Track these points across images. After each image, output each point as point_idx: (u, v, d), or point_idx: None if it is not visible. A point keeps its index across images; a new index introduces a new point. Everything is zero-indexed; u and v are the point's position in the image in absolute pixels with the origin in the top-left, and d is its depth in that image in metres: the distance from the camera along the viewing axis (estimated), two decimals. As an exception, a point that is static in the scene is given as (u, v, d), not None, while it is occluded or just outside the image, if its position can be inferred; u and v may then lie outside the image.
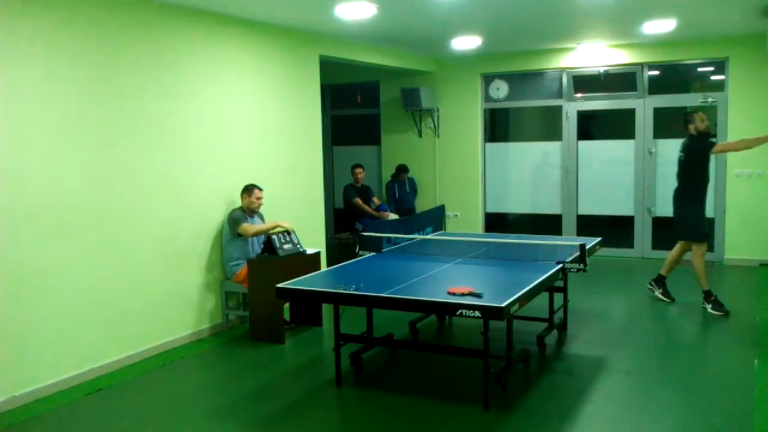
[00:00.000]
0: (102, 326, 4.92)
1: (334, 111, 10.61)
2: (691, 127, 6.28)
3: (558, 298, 5.56)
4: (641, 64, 8.65)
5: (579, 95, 9.15)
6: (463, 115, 9.69)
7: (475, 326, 4.08)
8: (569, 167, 9.19)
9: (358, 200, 8.68)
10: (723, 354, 5.27)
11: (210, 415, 4.24)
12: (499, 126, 10.21)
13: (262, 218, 6.14)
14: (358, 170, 8.77)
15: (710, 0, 6.12)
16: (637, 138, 8.86)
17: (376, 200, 8.96)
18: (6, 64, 4.26)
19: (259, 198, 5.95)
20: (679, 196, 6.40)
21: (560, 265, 4.83)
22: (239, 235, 5.82)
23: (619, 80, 8.92)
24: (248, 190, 5.94)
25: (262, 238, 5.89)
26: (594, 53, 8.78)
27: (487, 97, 9.69)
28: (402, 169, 9.43)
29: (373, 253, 5.53)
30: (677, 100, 8.85)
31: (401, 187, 9.45)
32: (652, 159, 8.78)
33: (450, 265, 5.05)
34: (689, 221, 6.29)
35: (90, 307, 4.83)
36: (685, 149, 6.35)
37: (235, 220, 5.81)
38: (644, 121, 8.80)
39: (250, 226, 5.82)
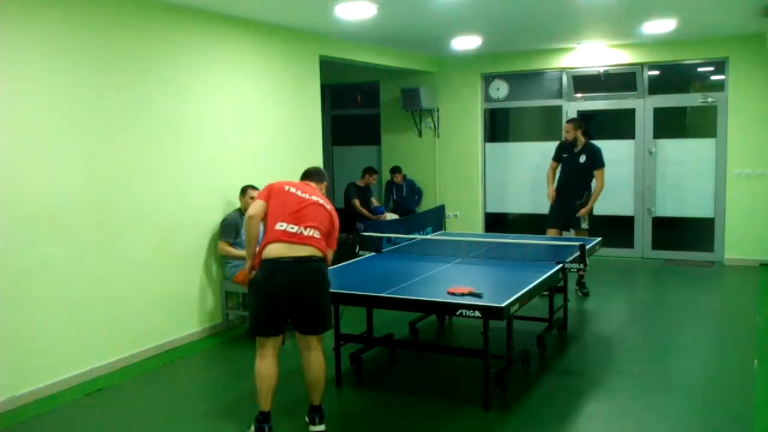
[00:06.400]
0: (102, 326, 4.92)
1: (334, 111, 10.60)
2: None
3: (558, 298, 5.57)
4: (641, 64, 8.65)
5: (579, 95, 9.14)
6: (463, 115, 9.68)
7: (475, 326, 4.08)
8: (569, 167, 9.16)
9: (356, 201, 8.69)
10: (722, 354, 5.27)
11: (210, 415, 4.25)
12: (499, 126, 10.20)
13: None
14: (368, 175, 8.86)
15: (710, 0, 6.12)
16: (637, 138, 8.85)
17: (374, 201, 8.96)
18: (5, 63, 4.26)
19: (253, 198, 5.94)
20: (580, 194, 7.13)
21: (560, 265, 4.83)
22: (236, 236, 5.83)
23: (619, 80, 8.91)
24: (243, 191, 5.93)
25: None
26: (594, 53, 8.77)
27: (487, 97, 9.68)
28: (393, 170, 9.33)
29: (373, 253, 5.53)
30: (677, 100, 8.85)
31: (398, 189, 9.40)
32: (652, 159, 8.78)
33: (450, 265, 5.05)
34: None
35: (90, 307, 4.83)
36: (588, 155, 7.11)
37: (223, 229, 5.84)
38: (644, 121, 8.80)
39: (227, 248, 5.82)
